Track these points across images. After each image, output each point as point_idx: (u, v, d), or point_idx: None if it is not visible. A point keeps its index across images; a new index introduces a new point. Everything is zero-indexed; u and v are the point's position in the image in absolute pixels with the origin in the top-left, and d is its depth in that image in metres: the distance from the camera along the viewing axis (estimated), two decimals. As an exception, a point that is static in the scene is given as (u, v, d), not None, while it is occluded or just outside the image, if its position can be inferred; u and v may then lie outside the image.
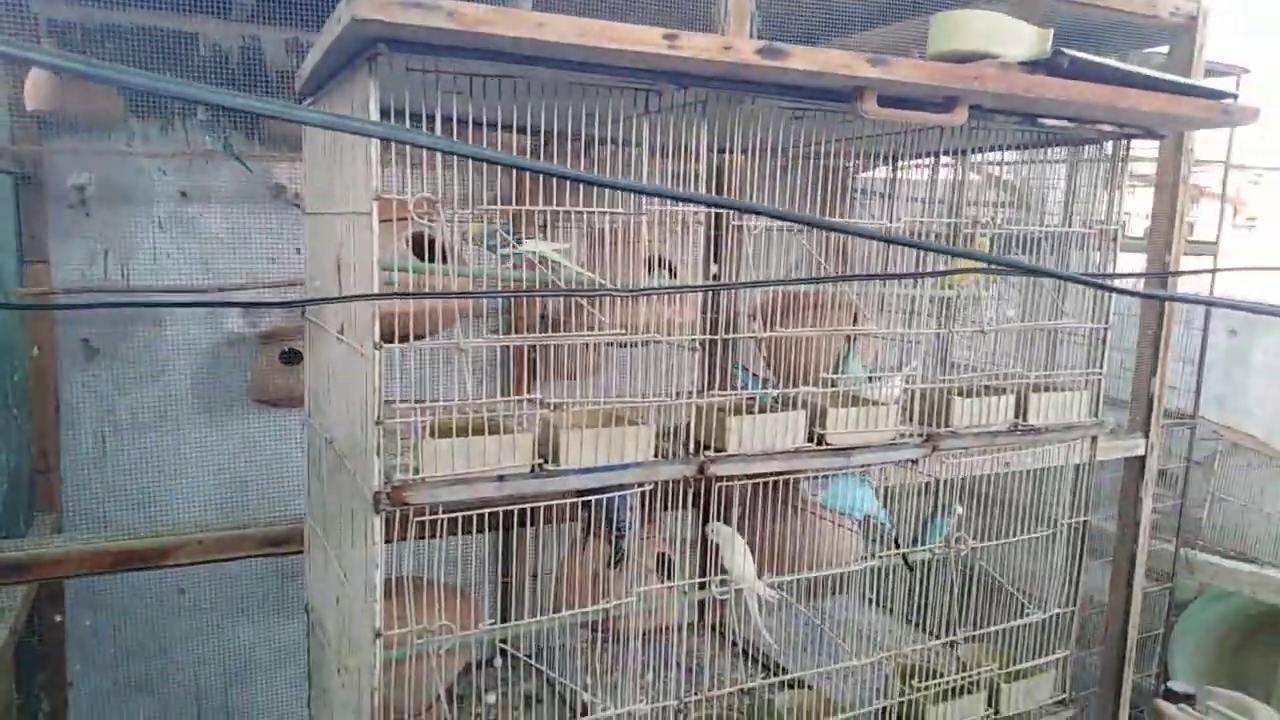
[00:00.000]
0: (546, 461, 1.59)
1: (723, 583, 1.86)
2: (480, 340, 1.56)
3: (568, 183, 1.59)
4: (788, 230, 1.90)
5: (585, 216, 1.72)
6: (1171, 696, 2.84)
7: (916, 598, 2.28)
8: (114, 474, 3.22)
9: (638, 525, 1.92)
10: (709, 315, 1.86)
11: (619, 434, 1.63)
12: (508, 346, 2.92)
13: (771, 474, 1.83)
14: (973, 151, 2.16)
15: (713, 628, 2.63)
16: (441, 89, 1.41)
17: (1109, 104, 1.73)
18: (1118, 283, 1.97)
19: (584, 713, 1.81)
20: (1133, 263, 3.30)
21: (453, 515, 1.54)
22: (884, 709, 2.06)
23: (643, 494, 1.73)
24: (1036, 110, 1.85)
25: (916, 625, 2.29)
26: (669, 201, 1.67)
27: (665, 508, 1.78)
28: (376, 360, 1.40)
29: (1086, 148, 2.13)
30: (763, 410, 1.81)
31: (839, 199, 2.08)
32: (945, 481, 2.05)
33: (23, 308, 3.05)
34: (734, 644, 2.53)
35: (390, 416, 1.47)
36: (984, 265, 1.86)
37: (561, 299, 1.92)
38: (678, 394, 1.73)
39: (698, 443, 1.76)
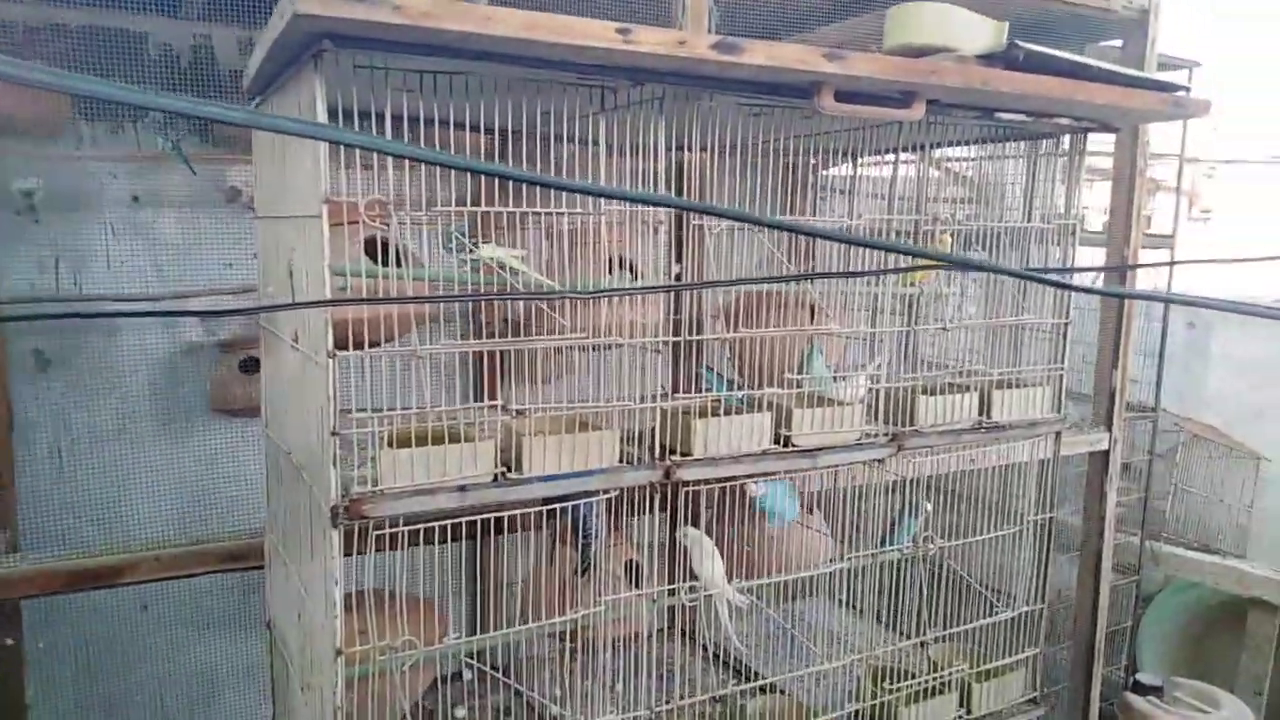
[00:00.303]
0: (510, 470, 1.56)
1: (692, 589, 1.84)
2: (438, 346, 1.53)
3: (524, 184, 1.56)
4: (750, 229, 1.88)
5: (545, 217, 1.69)
6: (1140, 689, 2.86)
7: (886, 598, 2.27)
8: (71, 489, 3.13)
9: (605, 532, 1.90)
10: (673, 316, 1.84)
11: (583, 440, 1.61)
12: (471, 352, 2.88)
13: (738, 478, 1.81)
14: (933, 147, 2.15)
15: (683, 633, 2.61)
16: (391, 87, 1.37)
17: (1064, 97, 1.73)
18: (1077, 278, 1.97)
19: (553, 724, 1.78)
20: (1092, 256, 3.32)
21: (414, 528, 1.50)
22: (856, 711, 2.04)
23: (610, 500, 1.70)
24: (993, 104, 1.84)
25: (887, 625, 2.28)
26: (629, 202, 1.64)
27: (633, 513, 1.75)
28: (331, 368, 1.36)
29: (1044, 142, 2.14)
30: (729, 412, 1.79)
31: (801, 196, 2.07)
32: (912, 480, 2.04)
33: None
34: (705, 649, 2.51)
35: (347, 426, 1.43)
36: (946, 263, 1.86)
37: (523, 302, 1.89)
38: (643, 398, 1.70)
39: (664, 447, 1.73)
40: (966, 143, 2.20)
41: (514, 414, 1.65)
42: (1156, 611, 4.36)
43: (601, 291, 1.61)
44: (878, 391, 1.97)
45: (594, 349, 1.68)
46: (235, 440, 3.31)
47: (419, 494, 1.46)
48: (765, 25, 2.82)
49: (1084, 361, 3.14)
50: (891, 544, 2.07)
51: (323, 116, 1.27)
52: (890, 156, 2.11)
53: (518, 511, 1.61)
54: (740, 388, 1.94)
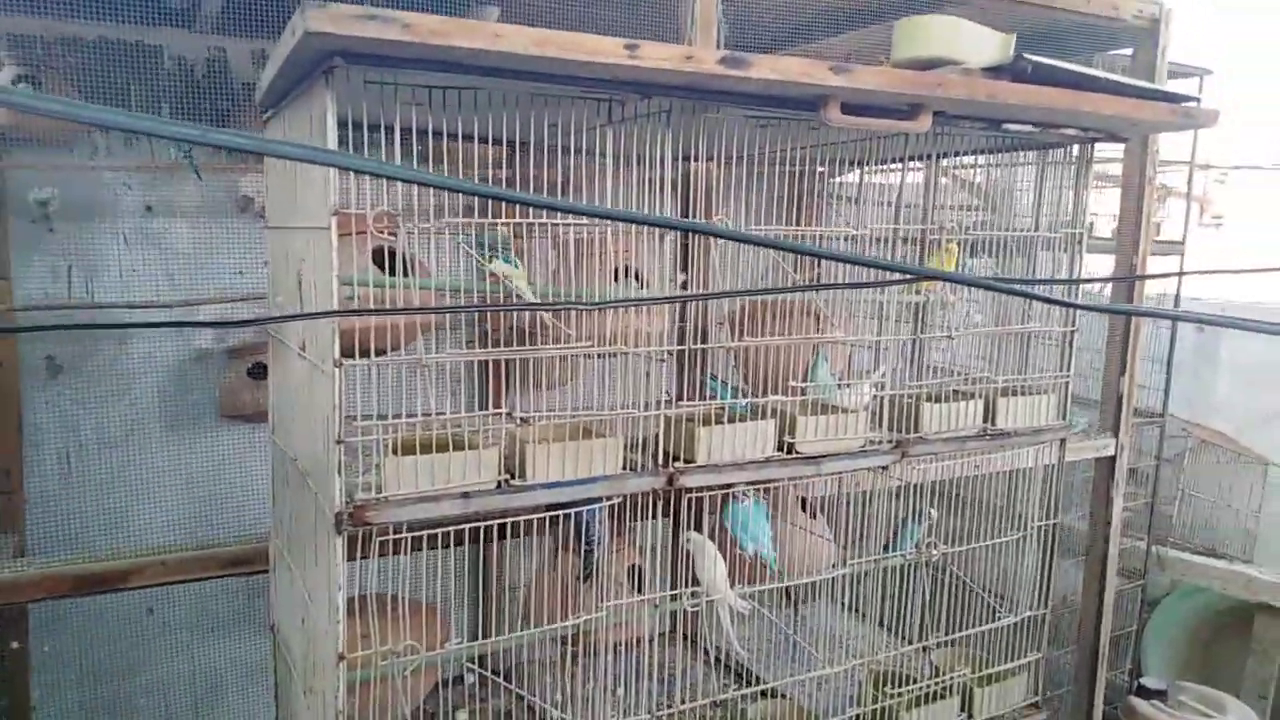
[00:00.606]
0: (513, 476, 1.57)
1: (694, 594, 1.85)
2: (444, 355, 1.54)
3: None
4: (755, 238, 1.89)
5: (552, 227, 1.70)
6: (1144, 693, 2.86)
7: (890, 603, 2.27)
8: (80, 494, 3.15)
9: (608, 538, 1.91)
10: (679, 324, 1.85)
11: (586, 447, 1.62)
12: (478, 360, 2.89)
13: (742, 485, 1.81)
14: (940, 156, 2.16)
15: (685, 637, 2.61)
16: (401, 101, 1.39)
17: (1070, 109, 1.73)
18: (1084, 287, 1.98)
19: (556, 729, 1.79)
20: (1101, 263, 3.32)
21: (417, 534, 1.51)
22: (858, 716, 2.05)
23: (613, 506, 1.71)
24: (1000, 116, 1.85)
25: (890, 630, 2.29)
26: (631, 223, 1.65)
27: (636, 518, 1.76)
28: (337, 377, 1.37)
29: (1053, 151, 2.14)
30: (734, 420, 1.80)
31: (810, 205, 2.08)
32: (916, 486, 2.05)
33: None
34: (707, 654, 2.52)
35: (353, 433, 1.44)
36: (954, 277, 1.86)
37: (528, 313, 1.90)
38: (647, 405, 1.71)
39: (667, 454, 1.74)
40: (975, 152, 2.21)
41: (518, 421, 1.66)
42: (1163, 616, 4.35)
43: (608, 303, 1.62)
44: (882, 399, 1.97)
45: (599, 356, 1.70)
46: (243, 446, 3.33)
47: (423, 501, 1.47)
48: (774, 36, 2.83)
49: (1091, 368, 3.14)
50: (895, 549, 2.08)
51: (333, 131, 1.28)
52: (898, 165, 2.11)
53: (520, 518, 1.62)
54: (745, 395, 1.95)
